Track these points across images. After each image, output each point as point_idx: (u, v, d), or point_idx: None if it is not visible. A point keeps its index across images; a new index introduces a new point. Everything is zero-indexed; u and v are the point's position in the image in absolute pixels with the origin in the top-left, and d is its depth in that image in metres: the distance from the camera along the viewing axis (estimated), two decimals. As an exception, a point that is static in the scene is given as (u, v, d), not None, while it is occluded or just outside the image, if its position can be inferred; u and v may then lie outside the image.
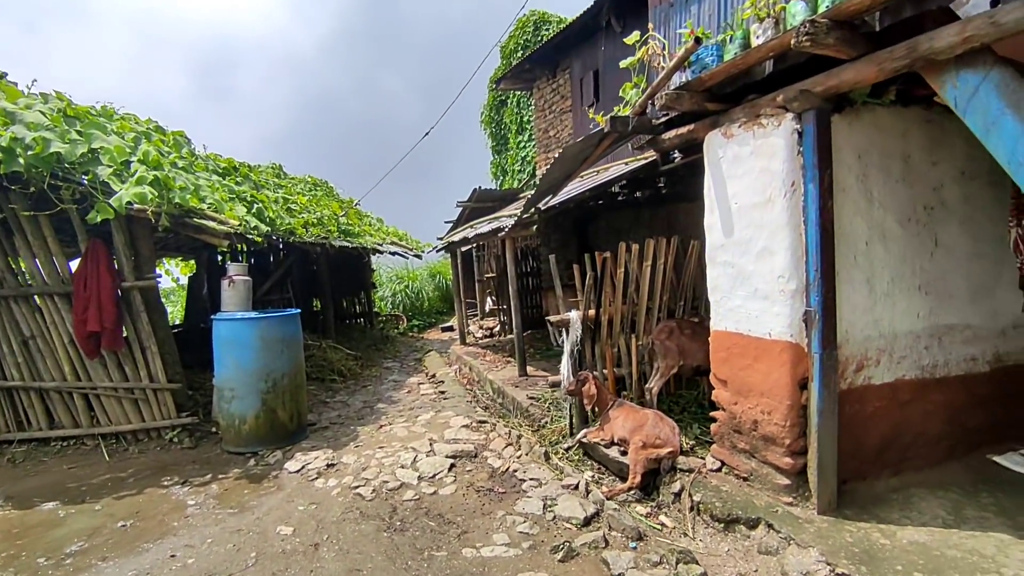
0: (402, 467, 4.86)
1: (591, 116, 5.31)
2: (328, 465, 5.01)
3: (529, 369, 8.07)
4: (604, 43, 9.50)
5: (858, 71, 3.09)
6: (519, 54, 17.38)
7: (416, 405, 7.19)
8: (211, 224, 5.35)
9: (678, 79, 4.18)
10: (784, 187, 3.45)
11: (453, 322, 17.82)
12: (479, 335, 12.93)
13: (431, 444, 5.36)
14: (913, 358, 3.91)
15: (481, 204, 12.36)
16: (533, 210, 6.77)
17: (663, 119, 4.67)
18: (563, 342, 5.39)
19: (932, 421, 4.01)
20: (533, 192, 6.65)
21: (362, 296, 14.17)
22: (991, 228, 4.21)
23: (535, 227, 6.90)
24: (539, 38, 17.80)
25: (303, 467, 5.01)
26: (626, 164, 8.39)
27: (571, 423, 5.35)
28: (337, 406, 7.42)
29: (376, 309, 15.74)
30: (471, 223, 10.39)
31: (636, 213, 9.69)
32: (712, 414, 4.19)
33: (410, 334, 15.77)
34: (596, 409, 4.84)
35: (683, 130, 4.39)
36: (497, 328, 12.67)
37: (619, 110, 4.83)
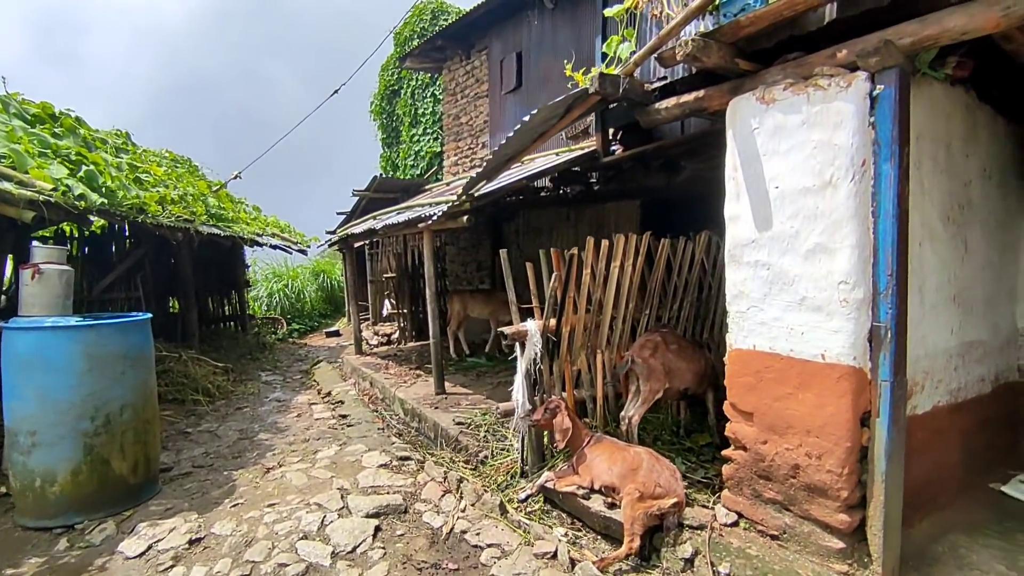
0: (305, 537, 3.42)
1: (506, 99, 4.25)
2: (191, 541, 3.42)
3: (447, 385, 6.84)
4: (532, 21, 8.55)
5: (972, 17, 2.34)
6: (414, 42, 16.01)
7: (312, 435, 5.64)
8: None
9: (692, 29, 3.28)
10: (852, 167, 2.65)
11: (339, 326, 15.92)
12: (374, 342, 11.37)
13: (343, 497, 3.96)
14: (946, 381, 3.32)
15: (381, 194, 10.83)
16: (465, 198, 5.58)
17: (657, 84, 3.75)
18: (515, 359, 4.27)
19: (952, 451, 3.46)
20: (472, 177, 5.47)
21: (233, 296, 11.94)
22: (1000, 234, 3.79)
23: (466, 217, 5.73)
24: (436, 26, 16.51)
25: (149, 547, 3.36)
26: (556, 155, 7.50)
27: (523, 458, 4.25)
28: (204, 438, 5.64)
29: (250, 311, 13.47)
30: (373, 215, 8.93)
31: (560, 212, 8.84)
32: (726, 453, 3.30)
33: (290, 340, 13.68)
34: (567, 446, 3.79)
35: (687, 97, 3.49)
36: (396, 335, 11.20)
37: (583, 79, 3.83)
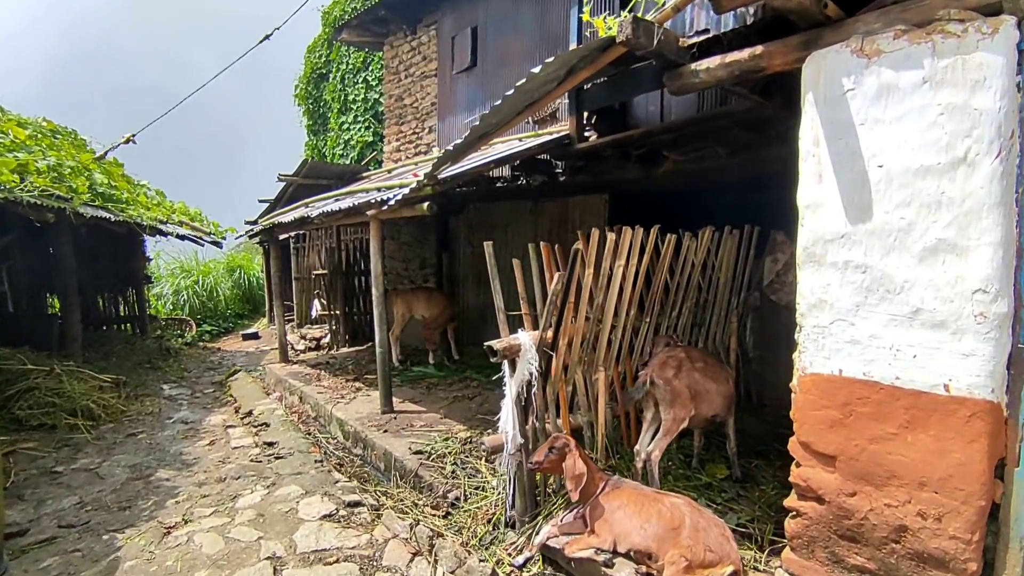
0: (223, 647, 2.39)
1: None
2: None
3: (394, 401, 5.82)
4: (491, -8, 7.66)
5: None
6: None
7: (230, 472, 4.45)
8: None
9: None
10: (997, 139, 1.99)
11: (258, 327, 14.28)
12: (301, 347, 10.04)
13: (277, 573, 2.91)
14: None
15: (312, 181, 9.55)
16: (427, 182, 4.62)
17: (696, 39, 3.00)
18: (505, 380, 3.38)
19: None
20: (439, 156, 4.51)
21: (130, 293, 10.19)
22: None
23: (426, 204, 4.76)
24: (367, 5, 15.35)
25: None
26: (520, 140, 6.66)
27: (511, 502, 3.37)
28: (79, 480, 4.30)
29: (152, 311, 11.65)
30: (304, 202, 7.69)
31: (517, 205, 8.01)
32: (791, 504, 2.59)
33: (201, 344, 11.96)
34: (575, 490, 2.94)
35: (738, 55, 2.75)
36: (326, 339, 9.93)
37: (607, 24, 3.03)
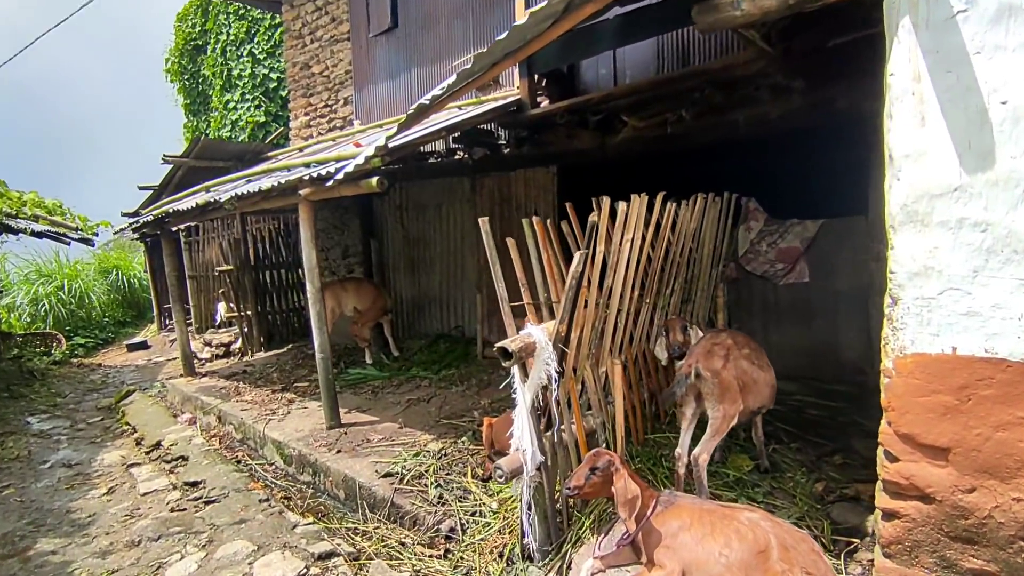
0: None
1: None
2: None
3: (340, 411, 4.97)
4: (412, -58, 6.74)
5: None
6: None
7: (145, 531, 3.43)
8: None
9: None
10: None
11: (146, 336, 12.39)
12: (206, 356, 8.67)
13: None
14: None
15: (206, 162, 8.14)
16: (375, 153, 3.79)
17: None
18: (515, 387, 2.75)
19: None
20: (405, 120, 3.68)
21: (-28, 308, 8.23)
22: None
23: (376, 180, 3.92)
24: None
25: None
26: (460, 109, 5.93)
27: (533, 533, 2.78)
28: (-82, 572, 3.12)
29: (5, 326, 9.60)
30: (205, 186, 6.40)
31: (452, 182, 7.25)
32: (885, 505, 2.22)
33: (75, 360, 10.07)
34: (629, 517, 2.40)
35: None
36: (237, 344, 8.65)
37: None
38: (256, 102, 14.62)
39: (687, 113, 5.01)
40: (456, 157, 6.67)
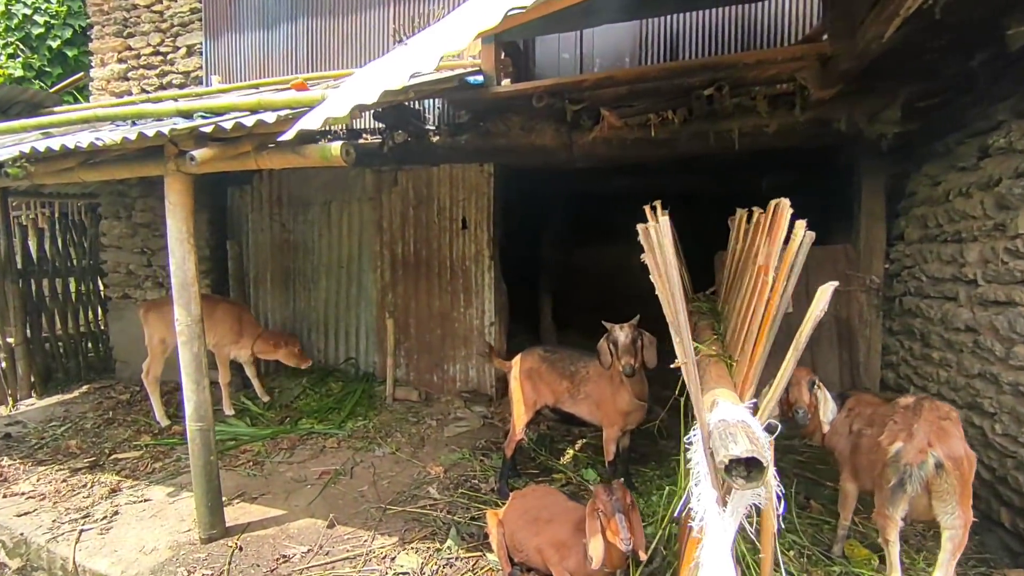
0: None
1: None
2: None
3: (226, 508, 3.18)
4: None
5: None
6: None
7: None
8: None
9: None
10: None
11: None
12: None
13: None
14: None
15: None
16: (352, 108, 2.31)
17: None
18: (698, 514, 1.59)
19: None
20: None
21: None
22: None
23: (341, 149, 2.36)
24: None
25: None
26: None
27: None
28: None
29: None
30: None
31: (348, 174, 5.61)
32: None
33: None
34: None
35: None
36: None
37: None
38: (11, 50, 10.80)
39: (675, 115, 4.31)
40: (362, 140, 5.13)
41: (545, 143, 4.68)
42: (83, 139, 2.66)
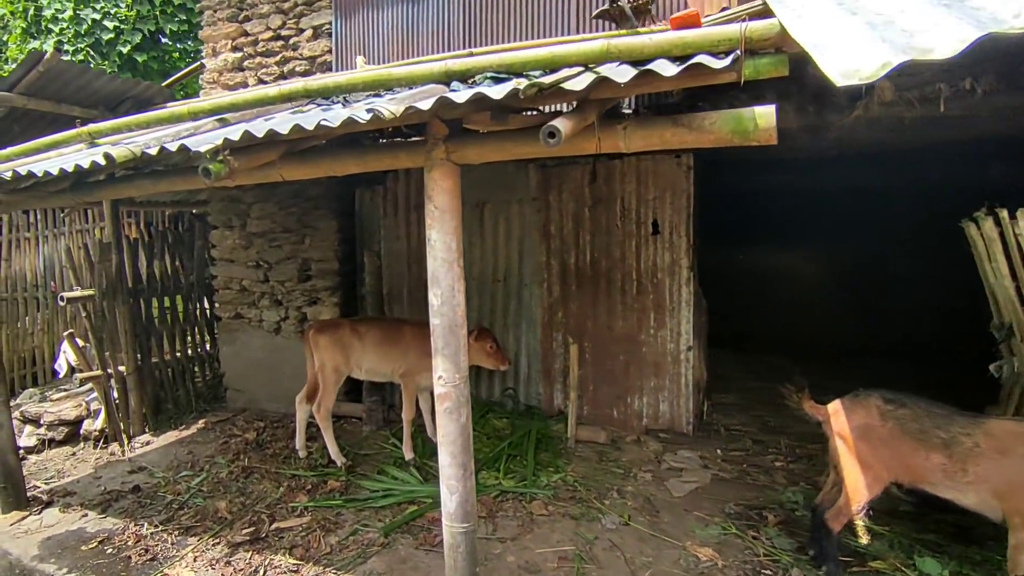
0: None
1: None
2: None
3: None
4: None
5: None
6: None
7: None
8: None
9: None
10: None
11: None
12: (31, 442, 4.94)
13: None
14: None
15: (50, 106, 4.53)
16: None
17: None
18: None
19: None
20: None
21: None
22: None
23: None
24: None
25: None
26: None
27: None
28: None
29: None
30: (83, 131, 3.11)
31: (508, 170, 4.73)
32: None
33: None
34: None
35: None
36: (95, 424, 5.02)
37: None
38: (82, 56, 10.40)
39: (980, 85, 3.26)
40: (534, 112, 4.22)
41: (786, 124, 3.68)
42: (335, 116, 1.79)
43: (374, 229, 5.13)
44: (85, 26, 10.65)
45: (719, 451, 4.15)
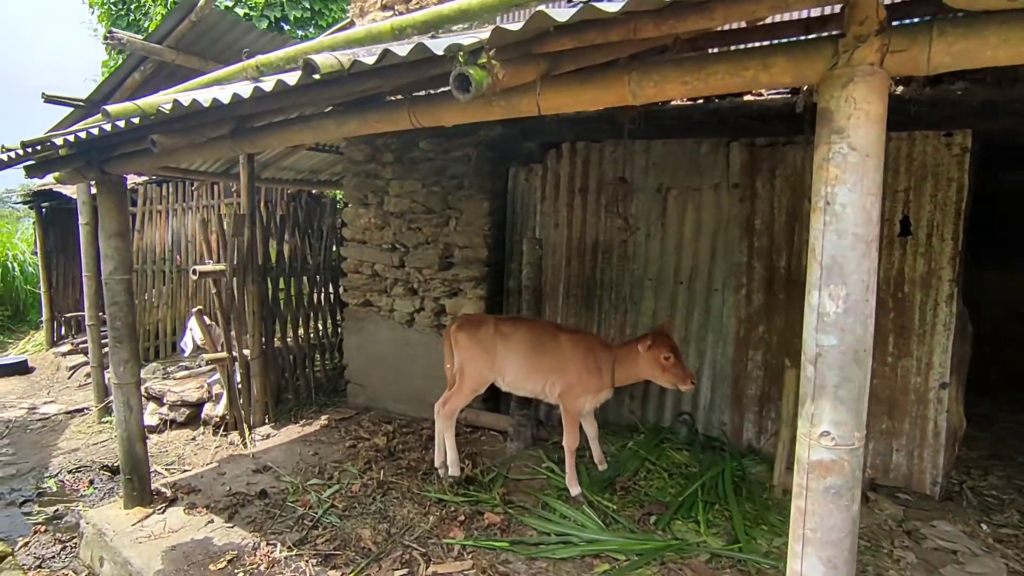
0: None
1: None
2: None
3: None
4: None
5: None
6: None
7: None
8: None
9: None
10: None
11: (24, 350, 7.91)
12: (153, 421, 4.65)
13: None
14: None
15: (198, 61, 4.20)
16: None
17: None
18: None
19: None
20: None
21: None
22: None
23: None
24: None
25: None
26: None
27: None
28: None
29: None
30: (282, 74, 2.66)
31: (699, 150, 3.87)
32: None
33: None
34: None
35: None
36: (219, 408, 4.67)
37: None
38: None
39: None
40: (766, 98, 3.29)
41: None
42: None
43: (529, 214, 4.42)
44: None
45: (983, 525, 3.08)
